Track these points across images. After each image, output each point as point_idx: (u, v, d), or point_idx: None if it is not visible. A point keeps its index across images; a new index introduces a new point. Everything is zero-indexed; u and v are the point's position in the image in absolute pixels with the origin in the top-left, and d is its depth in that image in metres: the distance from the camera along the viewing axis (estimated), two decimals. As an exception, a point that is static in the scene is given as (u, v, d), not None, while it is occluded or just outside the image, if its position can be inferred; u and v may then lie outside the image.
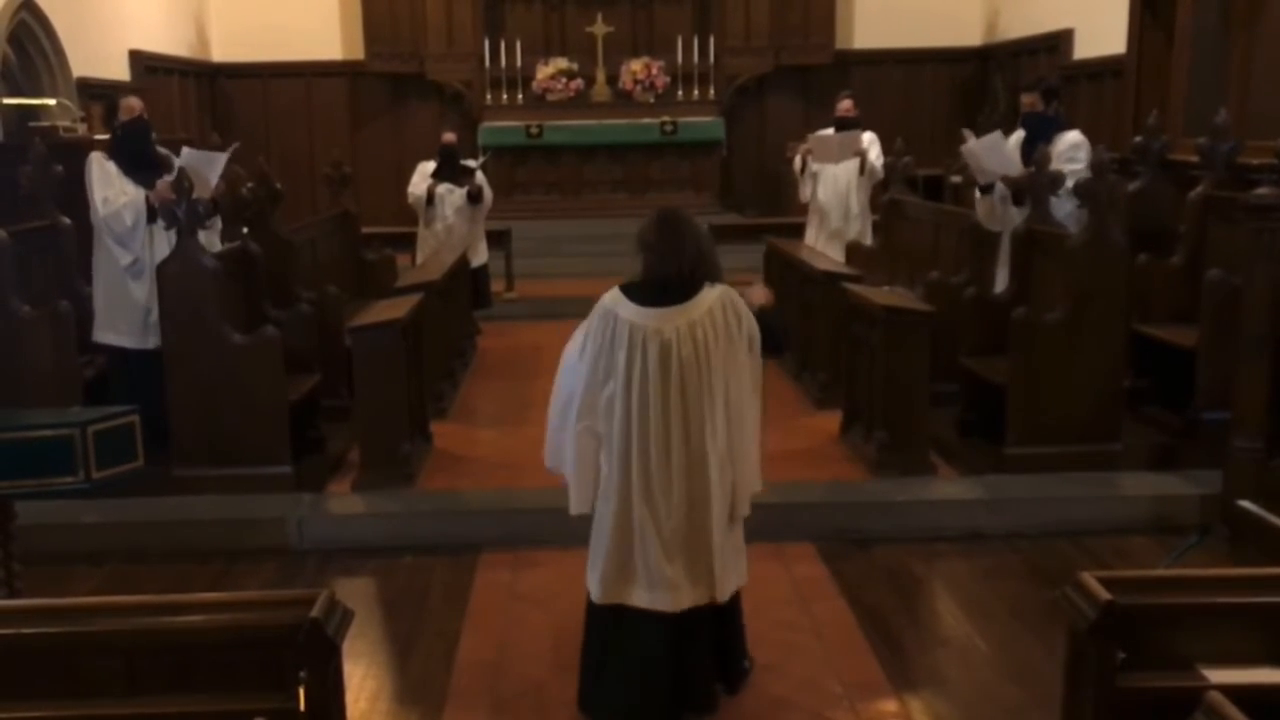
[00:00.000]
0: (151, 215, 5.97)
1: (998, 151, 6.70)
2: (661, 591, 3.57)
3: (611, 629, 3.66)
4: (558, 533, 5.31)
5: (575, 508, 3.71)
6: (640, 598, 3.59)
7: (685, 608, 3.59)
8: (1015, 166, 6.66)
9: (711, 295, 3.56)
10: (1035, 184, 6.35)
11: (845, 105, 8.98)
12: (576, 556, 5.13)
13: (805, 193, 9.06)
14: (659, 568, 3.55)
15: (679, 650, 3.64)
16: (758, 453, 3.75)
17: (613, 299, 3.60)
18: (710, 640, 3.74)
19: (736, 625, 3.92)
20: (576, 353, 3.65)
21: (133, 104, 6.25)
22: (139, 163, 6.08)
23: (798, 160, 9.06)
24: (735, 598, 3.85)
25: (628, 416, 3.52)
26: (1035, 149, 6.54)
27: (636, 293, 3.58)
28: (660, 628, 3.60)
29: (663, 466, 3.53)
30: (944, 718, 3.81)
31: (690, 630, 3.64)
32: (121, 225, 5.95)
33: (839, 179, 8.83)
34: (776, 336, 3.82)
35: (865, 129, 8.95)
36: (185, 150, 6.30)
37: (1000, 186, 6.76)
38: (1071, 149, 6.58)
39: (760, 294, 3.90)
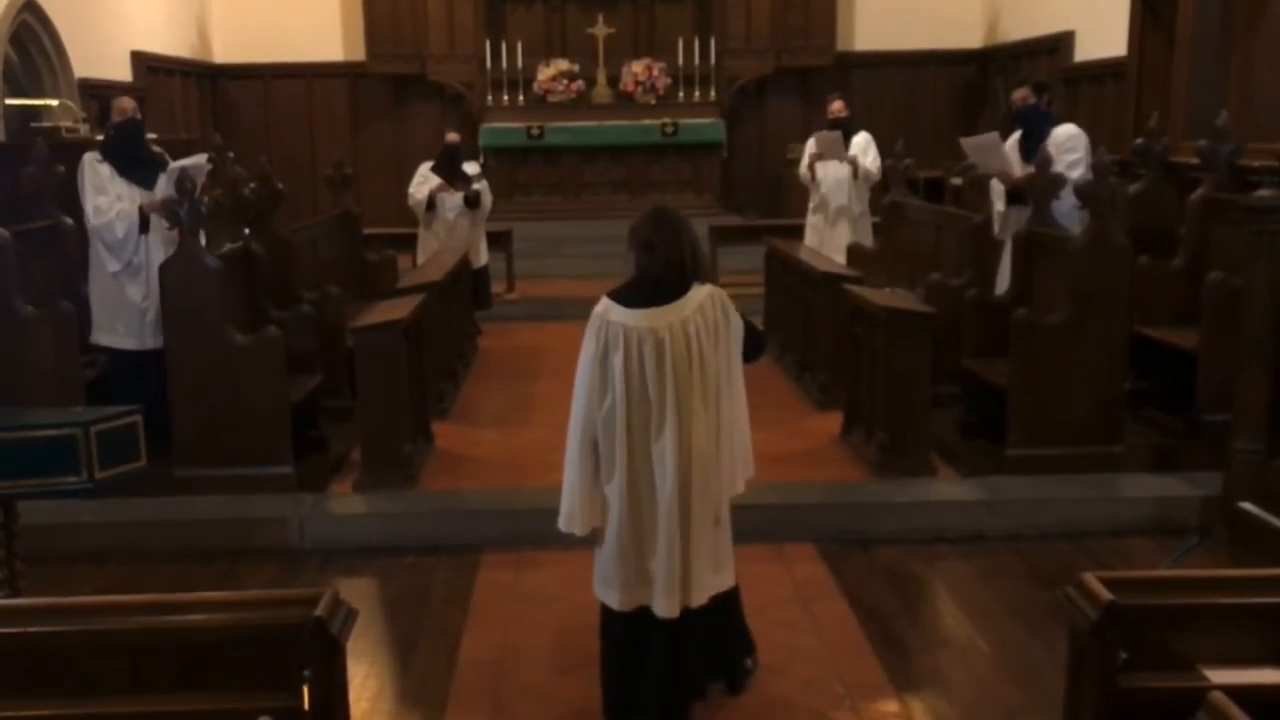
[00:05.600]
0: (144, 225, 5.95)
1: (993, 151, 6.70)
2: (665, 597, 3.53)
3: (622, 631, 3.62)
4: (559, 534, 5.30)
5: (566, 524, 3.67)
6: (657, 603, 3.54)
7: (679, 611, 3.56)
8: (1013, 165, 6.68)
9: (701, 293, 3.54)
10: (1037, 187, 6.35)
11: (836, 106, 9.11)
12: (578, 558, 5.15)
13: (815, 198, 9.12)
14: (661, 570, 3.52)
15: (670, 652, 3.60)
16: (747, 456, 3.72)
17: (603, 307, 3.56)
18: (700, 643, 3.68)
19: (732, 624, 3.89)
20: (582, 370, 3.58)
21: (125, 105, 6.23)
22: (133, 163, 6.06)
23: (803, 168, 9.09)
24: (733, 597, 3.83)
25: (629, 421, 3.49)
26: (1031, 144, 6.55)
27: (626, 295, 3.55)
28: (662, 630, 3.58)
29: (660, 467, 3.50)
30: (945, 718, 3.82)
31: (681, 633, 3.59)
32: (113, 236, 5.92)
33: (837, 172, 8.90)
34: (758, 337, 3.80)
35: (859, 129, 9.01)
36: (172, 165, 6.20)
37: (995, 184, 6.78)
38: (1068, 139, 6.58)
39: None
